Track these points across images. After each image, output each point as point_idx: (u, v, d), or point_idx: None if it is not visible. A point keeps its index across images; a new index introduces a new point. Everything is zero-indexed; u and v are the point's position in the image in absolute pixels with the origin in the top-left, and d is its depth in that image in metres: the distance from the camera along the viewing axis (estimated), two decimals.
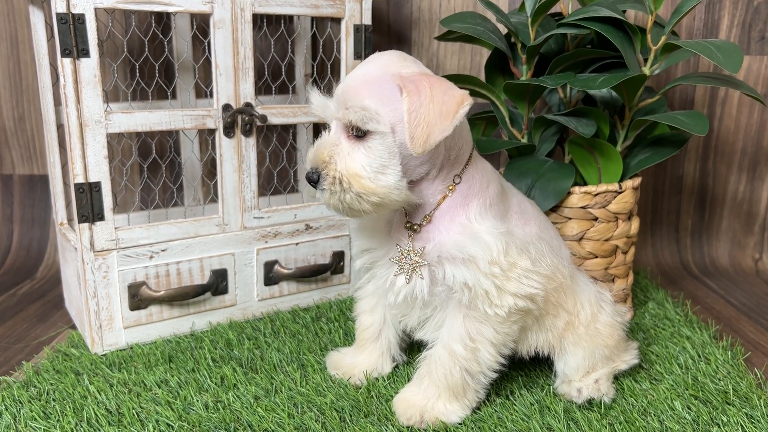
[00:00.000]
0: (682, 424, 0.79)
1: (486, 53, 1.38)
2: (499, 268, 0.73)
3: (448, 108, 0.67)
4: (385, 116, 0.68)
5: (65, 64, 0.88)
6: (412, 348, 0.97)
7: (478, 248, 0.73)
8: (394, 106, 0.68)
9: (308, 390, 0.87)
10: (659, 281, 1.32)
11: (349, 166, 0.70)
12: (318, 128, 1.39)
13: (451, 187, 0.75)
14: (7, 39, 1.34)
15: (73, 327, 1.08)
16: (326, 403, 0.83)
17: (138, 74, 1.22)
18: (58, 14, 0.86)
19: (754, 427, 0.79)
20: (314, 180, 0.72)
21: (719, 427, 0.79)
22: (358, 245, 0.85)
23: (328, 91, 1.32)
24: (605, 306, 0.86)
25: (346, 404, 0.83)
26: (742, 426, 0.79)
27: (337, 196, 0.70)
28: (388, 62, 0.71)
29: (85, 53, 0.89)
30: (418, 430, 0.78)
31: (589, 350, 0.84)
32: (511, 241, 0.76)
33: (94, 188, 0.93)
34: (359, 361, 0.91)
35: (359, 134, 0.70)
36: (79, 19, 0.87)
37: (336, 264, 1.17)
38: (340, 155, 0.71)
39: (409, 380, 0.86)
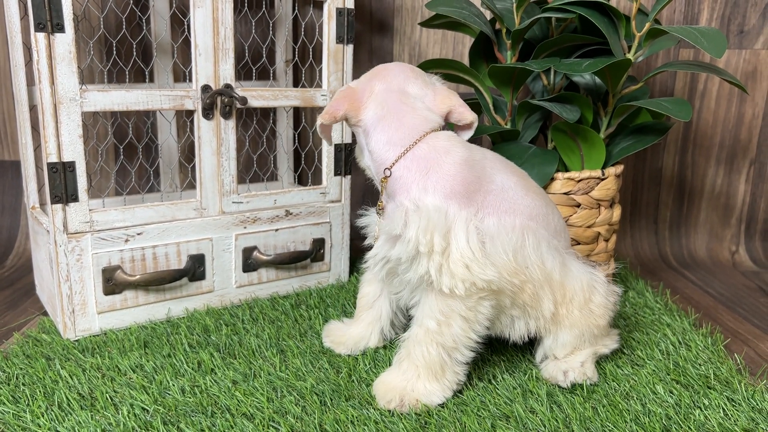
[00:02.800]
0: (664, 407, 0.79)
1: (468, 42, 1.38)
2: (424, 247, 0.75)
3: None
4: None
5: (39, 39, 0.85)
6: (405, 329, 0.96)
7: (403, 226, 0.77)
8: None
9: (288, 374, 0.85)
10: (639, 271, 1.33)
11: None
12: (299, 114, 1.38)
13: (383, 180, 0.81)
14: None
15: (45, 314, 1.05)
16: (306, 387, 0.82)
17: (114, 55, 1.19)
18: None
19: (735, 410, 0.79)
20: None
21: (701, 410, 0.79)
22: (361, 221, 0.89)
23: (310, 76, 1.31)
24: (599, 287, 0.86)
25: (327, 388, 0.82)
26: (723, 409, 0.79)
27: None
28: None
29: (60, 28, 0.86)
30: (400, 413, 0.77)
31: (581, 330, 0.84)
32: (445, 223, 0.76)
33: (68, 168, 0.90)
34: (351, 331, 0.94)
35: None
36: None
37: (316, 251, 1.15)
38: None
39: (390, 365, 0.85)
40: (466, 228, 0.76)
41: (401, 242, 0.77)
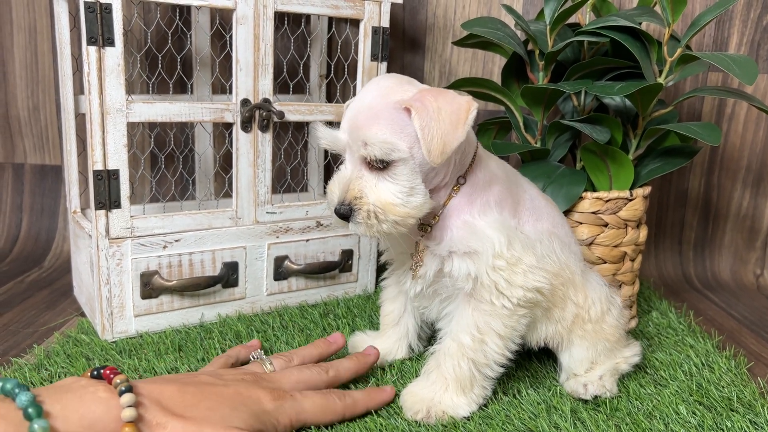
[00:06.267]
0: (687, 427, 0.80)
1: (498, 61, 1.40)
2: (504, 261, 0.77)
3: (457, 115, 0.71)
4: (402, 143, 0.72)
5: (90, 52, 0.89)
6: (430, 341, 0.99)
7: (481, 242, 0.77)
8: (407, 131, 0.72)
9: None
10: (662, 292, 1.33)
11: (381, 197, 0.73)
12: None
13: (456, 188, 0.79)
14: (26, 29, 1.36)
15: (82, 315, 1.09)
16: None
17: (159, 67, 1.23)
18: (85, 3, 0.87)
19: None
20: (346, 215, 0.74)
21: (724, 431, 0.80)
22: (383, 243, 0.90)
23: (344, 91, 1.35)
24: (613, 309, 0.89)
25: None
26: (746, 431, 0.80)
27: (374, 228, 0.74)
28: (386, 91, 0.74)
29: (111, 42, 0.90)
30: (426, 424, 0.79)
31: (592, 343, 0.87)
32: (515, 235, 0.79)
33: (112, 176, 0.94)
34: (377, 344, 0.95)
35: (382, 165, 0.73)
36: (106, 9, 0.89)
37: (345, 262, 1.18)
38: (369, 188, 0.74)
39: (418, 375, 0.87)
40: (518, 237, 0.79)
41: (468, 258, 0.77)
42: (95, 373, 0.66)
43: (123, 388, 0.62)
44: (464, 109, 0.71)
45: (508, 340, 0.81)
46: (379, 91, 0.74)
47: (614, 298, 0.90)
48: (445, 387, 0.81)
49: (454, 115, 0.70)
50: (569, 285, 0.84)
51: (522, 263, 0.78)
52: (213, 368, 0.80)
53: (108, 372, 0.64)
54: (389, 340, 0.95)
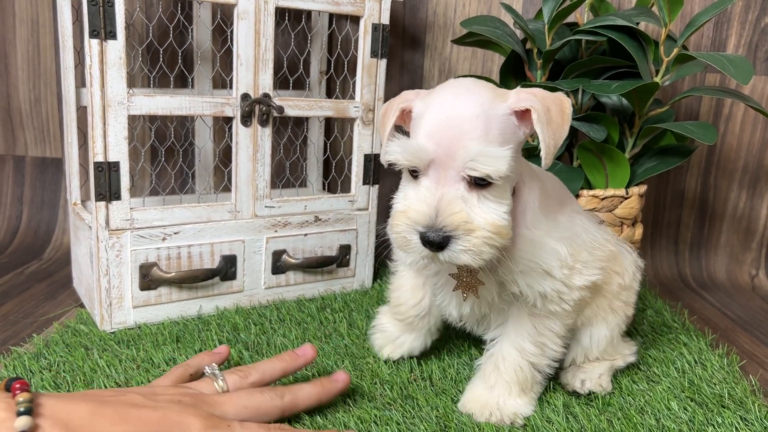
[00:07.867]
0: (678, 423, 0.81)
1: (497, 59, 1.41)
2: (568, 270, 0.75)
3: (562, 111, 0.66)
4: (511, 154, 0.63)
5: (93, 45, 0.90)
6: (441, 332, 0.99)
7: (547, 256, 0.72)
8: (512, 140, 0.66)
9: (314, 375, 0.89)
10: (657, 291, 1.34)
11: (489, 220, 0.64)
12: (330, 124, 1.42)
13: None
14: (28, 22, 1.37)
15: (81, 306, 1.10)
16: None
17: (160, 61, 1.24)
18: None
19: (748, 429, 0.81)
20: (443, 243, 0.63)
21: (714, 427, 0.81)
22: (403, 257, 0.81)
23: (343, 88, 1.36)
24: (638, 275, 0.89)
25: (350, 389, 0.85)
26: (736, 427, 0.81)
27: (483, 256, 0.64)
28: (488, 95, 0.65)
29: (113, 35, 0.91)
30: (445, 423, 0.79)
31: (617, 321, 0.87)
32: (568, 237, 0.75)
33: (112, 168, 0.95)
34: (404, 337, 0.92)
35: (487, 182, 0.64)
36: (109, 2, 0.89)
37: (342, 257, 1.19)
38: (473, 209, 0.64)
39: (411, 370, 0.88)
40: (571, 239, 0.77)
41: (538, 276, 0.73)
42: (9, 384, 0.60)
43: (21, 409, 0.56)
44: (566, 103, 0.66)
45: (564, 337, 0.82)
46: (477, 96, 0.65)
47: (638, 261, 0.90)
48: (509, 391, 0.81)
49: (560, 112, 0.65)
50: (612, 258, 0.84)
51: (577, 262, 0.76)
52: (168, 380, 0.75)
53: (17, 386, 0.58)
54: (419, 333, 0.92)
